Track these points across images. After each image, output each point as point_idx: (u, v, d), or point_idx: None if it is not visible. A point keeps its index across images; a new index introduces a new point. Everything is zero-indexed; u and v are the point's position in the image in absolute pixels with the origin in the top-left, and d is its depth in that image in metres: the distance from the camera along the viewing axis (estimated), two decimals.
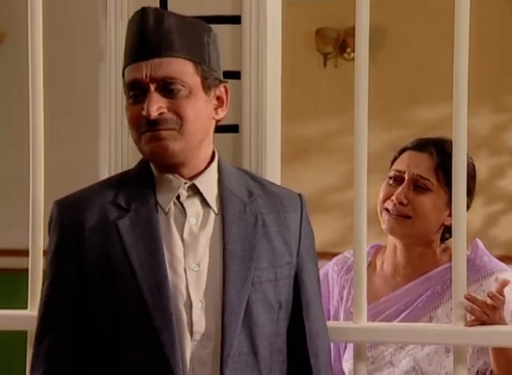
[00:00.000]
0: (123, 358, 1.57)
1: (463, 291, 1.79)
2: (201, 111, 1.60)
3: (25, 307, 1.93)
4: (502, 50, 4.83)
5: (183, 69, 1.59)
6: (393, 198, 1.99)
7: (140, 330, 1.56)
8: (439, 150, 1.99)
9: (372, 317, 1.99)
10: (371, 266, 2.09)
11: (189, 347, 1.57)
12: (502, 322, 1.80)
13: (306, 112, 4.72)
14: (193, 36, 1.62)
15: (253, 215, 1.64)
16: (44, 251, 1.92)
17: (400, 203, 1.98)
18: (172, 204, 1.61)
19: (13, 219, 3.64)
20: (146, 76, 1.57)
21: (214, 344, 1.58)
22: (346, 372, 2.02)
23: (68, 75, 4.38)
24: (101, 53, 4.22)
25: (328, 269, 2.11)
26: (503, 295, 1.80)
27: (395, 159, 2.06)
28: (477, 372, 1.94)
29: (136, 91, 1.59)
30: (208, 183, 1.64)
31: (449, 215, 1.97)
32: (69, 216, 1.62)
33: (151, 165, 1.64)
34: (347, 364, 2.02)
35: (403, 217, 1.99)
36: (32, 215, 1.92)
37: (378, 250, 2.13)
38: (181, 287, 1.58)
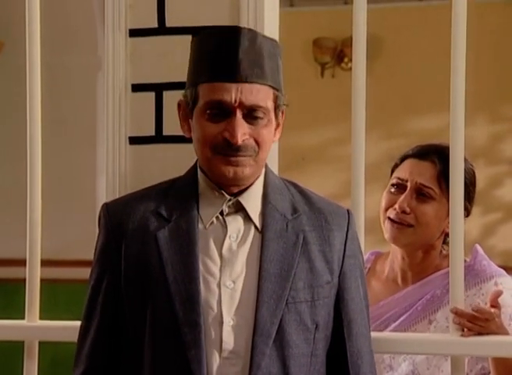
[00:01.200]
0: (150, 370, 1.57)
1: (461, 301, 1.78)
2: (272, 137, 1.62)
3: (22, 317, 1.93)
4: (499, 60, 4.85)
5: (267, 97, 1.59)
6: (396, 206, 1.99)
7: (168, 344, 1.55)
8: (441, 158, 1.99)
9: (371, 320, 1.99)
10: (371, 271, 2.09)
11: (216, 364, 1.55)
12: (501, 330, 1.79)
13: (303, 121, 4.73)
14: (274, 60, 1.62)
15: (295, 233, 1.62)
16: (42, 260, 1.92)
17: (403, 212, 1.98)
18: (214, 219, 1.61)
19: (10, 229, 3.64)
20: (235, 101, 1.56)
21: (243, 363, 1.56)
22: None
23: (66, 85, 4.39)
24: (99, 63, 4.23)
25: None
26: (497, 305, 1.79)
27: (396, 166, 2.06)
28: None
29: (217, 111, 1.57)
30: (252, 199, 1.63)
31: (446, 220, 1.97)
32: (113, 220, 1.63)
33: (199, 176, 1.63)
34: None
35: (405, 226, 1.99)
36: (29, 224, 1.92)
37: (378, 257, 2.13)
38: (213, 303, 1.56)
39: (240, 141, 1.56)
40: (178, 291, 1.55)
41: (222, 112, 1.57)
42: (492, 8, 4.80)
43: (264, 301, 1.57)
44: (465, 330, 1.76)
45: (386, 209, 2.01)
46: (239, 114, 1.57)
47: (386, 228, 2.01)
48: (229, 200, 1.61)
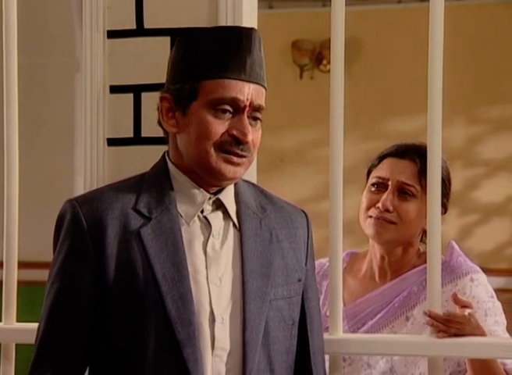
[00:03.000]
0: (142, 371, 1.53)
1: (438, 302, 1.79)
2: None
3: None
4: (476, 62, 4.88)
5: (264, 99, 1.61)
6: (379, 205, 2.00)
7: (162, 344, 1.52)
8: (420, 156, 2.01)
9: (348, 318, 2.00)
10: (347, 270, 2.11)
11: (209, 362, 1.55)
12: (477, 330, 1.80)
13: (282, 123, 4.74)
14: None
15: (268, 230, 1.64)
16: (19, 262, 1.91)
17: (386, 210, 2.00)
18: (196, 217, 1.59)
19: None
20: (247, 100, 1.56)
21: (233, 360, 1.57)
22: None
23: (43, 86, 4.37)
24: (77, 64, 4.21)
25: None
26: (469, 305, 1.80)
27: (373, 166, 2.07)
28: (450, 374, 1.95)
29: (227, 108, 1.56)
30: (230, 198, 1.63)
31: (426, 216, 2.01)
32: (88, 218, 1.56)
33: (174, 173, 1.61)
34: None
35: (388, 222, 2.01)
36: (7, 226, 1.91)
37: (353, 256, 2.14)
38: (204, 301, 1.55)
39: (250, 140, 1.57)
40: (169, 290, 1.53)
41: (231, 109, 1.57)
42: (470, 10, 4.83)
43: (251, 298, 1.58)
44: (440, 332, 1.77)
45: (368, 208, 2.02)
46: (247, 113, 1.57)
47: (368, 225, 2.02)
48: (210, 198, 1.61)
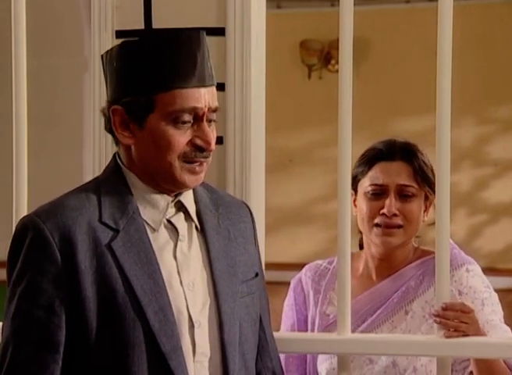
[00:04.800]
0: None
1: (446, 298, 1.80)
2: None
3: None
4: (485, 62, 4.87)
5: None
6: (384, 211, 2.00)
7: (147, 357, 1.50)
8: (409, 155, 2.04)
9: None
10: None
11: (192, 369, 1.54)
12: (480, 332, 1.83)
13: (290, 123, 4.74)
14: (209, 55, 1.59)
15: (225, 227, 1.63)
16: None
17: (393, 215, 2.01)
18: (163, 222, 1.56)
19: None
20: (205, 106, 1.53)
21: (212, 363, 1.56)
22: (324, 372, 2.03)
23: (52, 86, 4.38)
24: (86, 64, 4.22)
25: (301, 275, 2.13)
26: (470, 311, 1.81)
27: (362, 174, 2.05)
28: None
29: (187, 118, 1.53)
30: (190, 198, 1.61)
31: (424, 210, 2.04)
32: (55, 235, 1.49)
33: (132, 179, 1.56)
34: (325, 365, 2.03)
35: (395, 228, 2.02)
36: (15, 227, 1.91)
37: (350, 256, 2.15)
38: (182, 308, 1.54)
39: (213, 147, 1.55)
40: (149, 303, 1.50)
41: (190, 119, 1.53)
42: (478, 9, 4.82)
43: (224, 299, 1.57)
44: (450, 330, 1.78)
45: (372, 217, 2.02)
46: (205, 119, 1.55)
47: (376, 235, 2.02)
48: (172, 201, 1.58)
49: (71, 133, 4.42)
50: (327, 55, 5.06)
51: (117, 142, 1.60)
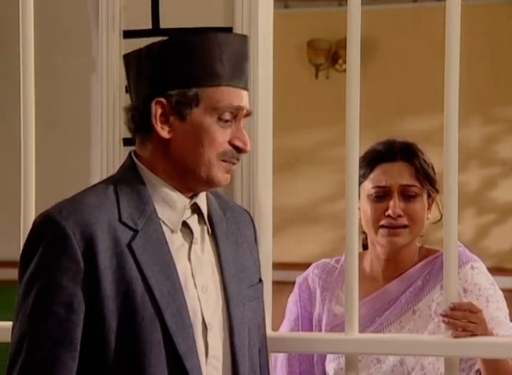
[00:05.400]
0: None
1: (454, 297, 1.80)
2: None
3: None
4: (492, 61, 4.86)
5: None
6: (389, 213, 2.01)
7: (163, 358, 1.50)
8: (410, 154, 2.05)
9: None
10: None
11: (204, 370, 1.54)
12: (487, 332, 1.83)
13: (298, 123, 4.74)
14: None
15: (233, 232, 1.64)
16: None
17: (398, 216, 2.01)
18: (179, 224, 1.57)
19: (4, 230, 3.63)
20: (246, 108, 1.57)
21: (222, 366, 1.57)
22: (332, 372, 2.03)
23: (59, 86, 4.38)
24: (93, 64, 4.23)
25: (308, 273, 2.14)
26: (476, 311, 1.81)
27: (363, 176, 2.05)
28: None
29: (229, 117, 1.55)
30: (204, 201, 1.62)
31: (428, 208, 2.06)
32: (76, 232, 1.48)
33: (150, 178, 1.56)
34: (332, 364, 2.03)
35: (401, 228, 2.02)
36: (23, 226, 1.91)
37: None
38: (196, 310, 1.55)
39: (249, 149, 1.57)
40: (167, 304, 1.50)
41: (231, 118, 1.56)
42: (486, 9, 4.81)
43: (234, 303, 1.58)
44: (458, 330, 1.78)
45: (377, 219, 2.03)
46: (242, 119, 1.58)
47: (382, 235, 2.03)
48: (189, 203, 1.58)
49: (78, 134, 4.42)
50: (334, 55, 5.05)
51: (135, 140, 1.60)
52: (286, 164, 4.68)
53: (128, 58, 1.62)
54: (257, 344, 1.64)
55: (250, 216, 1.73)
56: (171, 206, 1.56)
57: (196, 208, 1.59)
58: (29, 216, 1.91)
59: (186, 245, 1.57)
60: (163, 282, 1.51)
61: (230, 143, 1.56)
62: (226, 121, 1.55)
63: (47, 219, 1.52)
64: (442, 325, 1.81)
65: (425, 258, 2.07)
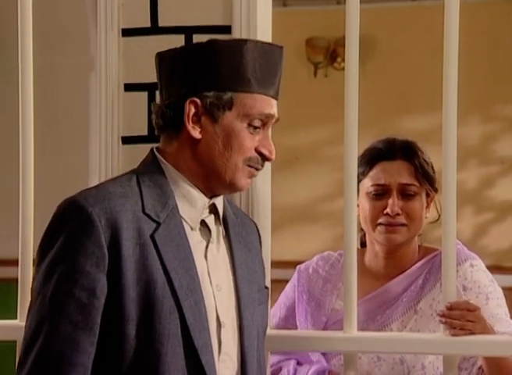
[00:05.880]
0: (157, 374, 1.50)
1: (453, 297, 1.80)
2: None
3: (14, 317, 1.92)
4: (491, 60, 4.86)
5: None
6: (388, 211, 2.01)
7: (180, 349, 1.51)
8: (409, 153, 2.05)
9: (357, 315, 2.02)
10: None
11: (217, 367, 1.55)
12: (487, 330, 1.83)
13: (296, 121, 4.73)
14: None
15: (243, 236, 1.66)
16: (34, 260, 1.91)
17: (396, 214, 2.02)
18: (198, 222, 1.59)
19: (3, 229, 3.63)
20: (275, 115, 1.61)
21: (233, 365, 1.58)
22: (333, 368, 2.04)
23: (58, 85, 4.38)
24: (92, 63, 4.23)
25: (311, 263, 2.14)
26: (474, 309, 1.81)
27: (363, 174, 2.05)
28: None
29: (259, 124, 1.59)
30: (221, 204, 1.64)
31: (426, 207, 2.06)
32: (102, 219, 1.49)
33: (173, 175, 1.58)
34: (333, 360, 2.04)
35: (399, 226, 2.02)
36: (22, 224, 1.91)
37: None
38: (211, 307, 1.56)
39: (274, 156, 1.60)
40: (185, 297, 1.52)
41: (260, 125, 1.59)
42: (485, 7, 4.81)
43: (245, 304, 1.60)
44: (456, 328, 1.79)
45: (376, 217, 2.03)
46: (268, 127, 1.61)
47: (379, 233, 2.03)
48: (208, 203, 1.60)
49: (76, 132, 4.42)
50: (333, 53, 5.05)
51: (158, 137, 1.62)
52: (284, 162, 4.68)
53: (161, 57, 1.64)
54: (263, 348, 1.66)
55: (256, 225, 1.76)
56: (191, 203, 1.58)
57: (213, 209, 1.62)
58: (27, 214, 1.91)
59: (204, 243, 1.59)
60: (183, 275, 1.53)
61: (257, 150, 1.59)
62: (256, 128, 1.58)
63: (72, 204, 1.52)
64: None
65: (425, 256, 2.07)
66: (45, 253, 1.52)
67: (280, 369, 2.05)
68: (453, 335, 1.78)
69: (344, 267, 1.85)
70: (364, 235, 2.12)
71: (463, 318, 1.79)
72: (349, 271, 1.83)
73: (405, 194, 2.03)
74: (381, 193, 2.03)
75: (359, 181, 2.04)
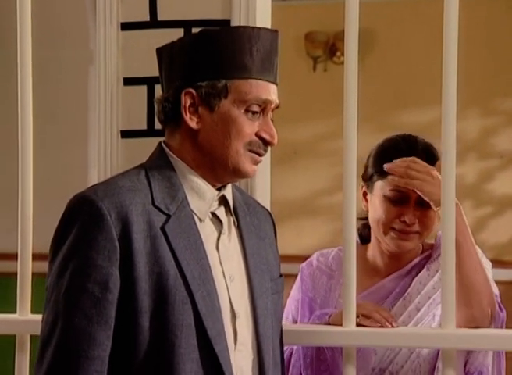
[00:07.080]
0: (173, 369, 1.51)
1: (451, 296, 1.80)
2: None
3: (14, 311, 1.92)
4: (490, 54, 4.85)
5: None
6: (406, 220, 1.99)
7: (193, 340, 1.52)
8: (431, 160, 1.98)
9: None
10: None
11: (233, 356, 1.56)
12: (439, 191, 1.83)
13: (295, 115, 4.73)
14: None
15: (256, 226, 1.67)
16: (33, 254, 1.91)
17: (413, 223, 2.00)
18: (209, 213, 1.60)
19: (2, 223, 3.63)
20: (274, 101, 1.60)
21: (250, 354, 1.59)
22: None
23: (57, 79, 4.38)
24: (91, 57, 4.22)
25: (313, 260, 2.14)
26: (424, 168, 1.87)
27: (382, 173, 1.99)
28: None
29: (257, 109, 1.59)
30: (230, 194, 1.65)
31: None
32: (112, 213, 1.50)
33: (182, 167, 1.59)
34: None
35: (413, 233, 2.02)
36: (21, 218, 1.92)
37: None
38: (225, 298, 1.57)
39: (276, 142, 1.60)
40: (198, 287, 1.53)
41: (259, 110, 1.59)
42: (484, 1, 4.80)
43: (258, 294, 1.61)
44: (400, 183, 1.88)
45: (390, 222, 2.00)
46: (269, 113, 1.60)
47: (392, 237, 2.02)
48: (217, 194, 1.61)
49: (76, 126, 4.42)
50: (332, 47, 5.04)
51: (164, 130, 1.63)
52: (284, 157, 4.68)
53: (160, 52, 1.65)
54: (278, 337, 1.67)
55: (270, 213, 1.76)
56: (200, 196, 1.59)
57: (223, 200, 1.62)
58: (27, 208, 1.91)
59: (215, 235, 1.60)
60: (194, 266, 1.54)
61: (257, 135, 1.59)
62: (254, 113, 1.58)
63: (82, 199, 1.53)
64: (438, 316, 1.81)
65: (425, 252, 2.08)
66: (57, 249, 1.53)
67: None
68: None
69: (343, 262, 1.85)
70: (364, 230, 2.12)
71: (409, 175, 1.83)
72: (348, 265, 1.83)
73: (422, 202, 1.98)
74: (399, 199, 2.01)
75: (374, 180, 2.02)
